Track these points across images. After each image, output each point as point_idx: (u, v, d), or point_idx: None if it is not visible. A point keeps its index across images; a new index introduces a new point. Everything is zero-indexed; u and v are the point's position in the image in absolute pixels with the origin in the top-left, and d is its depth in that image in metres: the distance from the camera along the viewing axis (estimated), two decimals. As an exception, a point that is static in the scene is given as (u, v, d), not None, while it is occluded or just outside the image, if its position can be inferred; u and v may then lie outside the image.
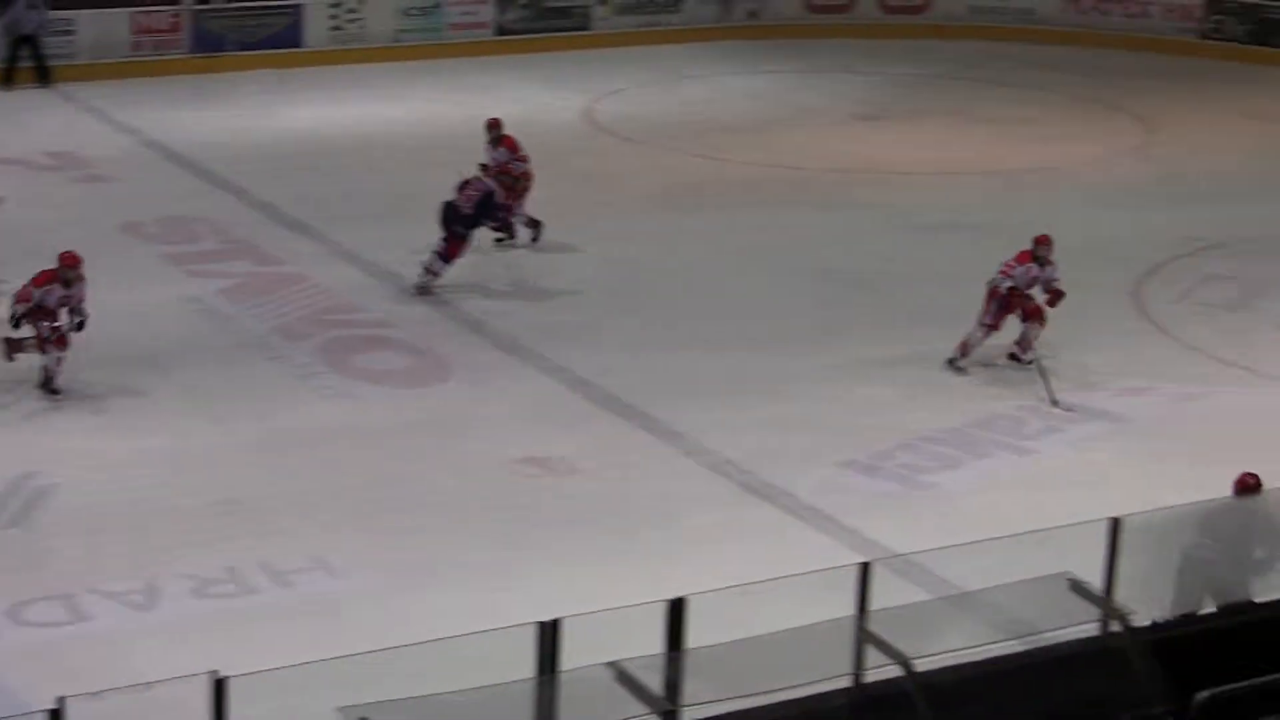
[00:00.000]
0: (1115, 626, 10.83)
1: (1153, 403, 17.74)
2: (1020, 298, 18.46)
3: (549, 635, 9.73)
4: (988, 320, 18.45)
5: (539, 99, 30.83)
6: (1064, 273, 20.60)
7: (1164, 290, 21.22)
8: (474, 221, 20.72)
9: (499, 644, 9.71)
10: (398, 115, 29.59)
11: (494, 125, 22.72)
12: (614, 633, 9.77)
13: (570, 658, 9.62)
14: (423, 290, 20.43)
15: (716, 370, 18.45)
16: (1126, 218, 24.22)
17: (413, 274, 20.67)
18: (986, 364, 18.71)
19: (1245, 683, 9.90)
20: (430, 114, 29.42)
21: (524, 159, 22.42)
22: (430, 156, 26.03)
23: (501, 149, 22.41)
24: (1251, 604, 12.27)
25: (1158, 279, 21.60)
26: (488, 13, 35.08)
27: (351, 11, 34.09)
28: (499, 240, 22.15)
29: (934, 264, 22.21)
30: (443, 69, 32.62)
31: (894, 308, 20.62)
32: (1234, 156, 27.64)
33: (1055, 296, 18.56)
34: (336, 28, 33.97)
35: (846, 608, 10.49)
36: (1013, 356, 18.66)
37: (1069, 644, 10.82)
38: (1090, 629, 10.88)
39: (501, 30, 35.11)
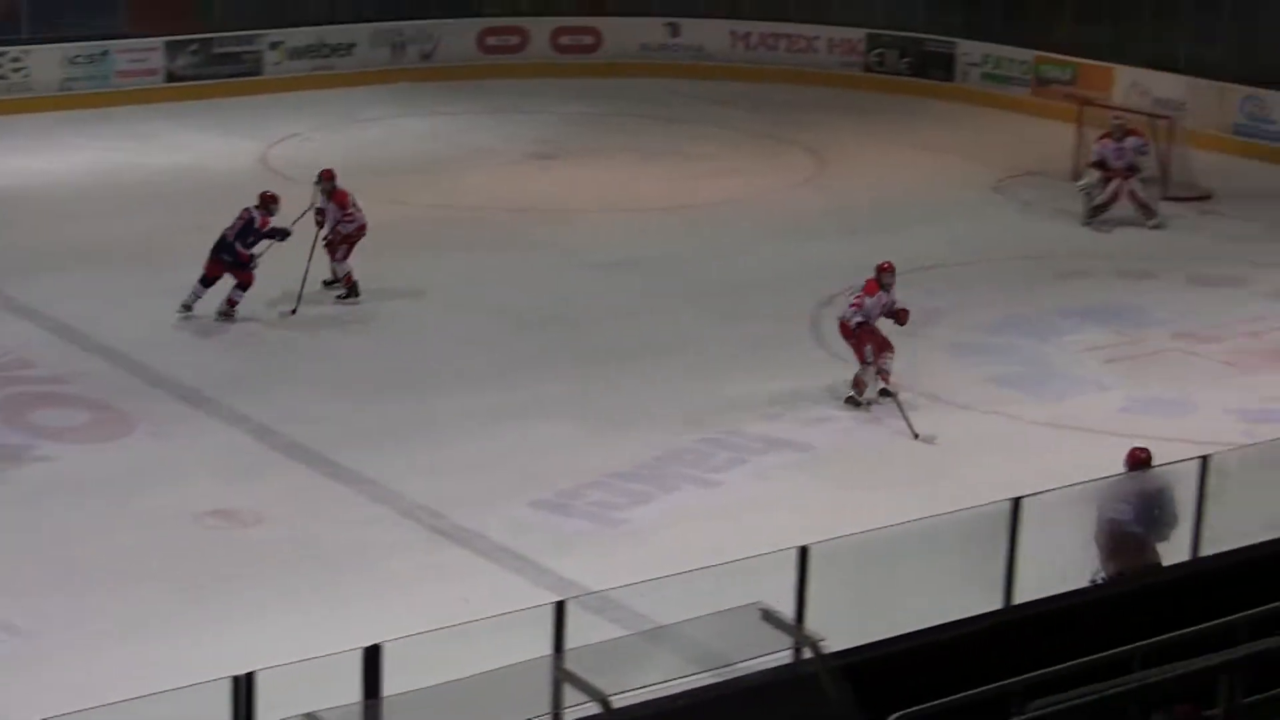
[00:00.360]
0: (807, 653, 11.00)
1: (834, 430, 18.11)
2: (869, 331, 18.74)
3: (244, 689, 9.60)
4: (864, 358, 18.72)
5: (212, 145, 30.50)
6: (744, 305, 21.05)
7: (840, 319, 21.69)
8: (231, 248, 20.96)
9: (193, 700, 9.56)
10: (67, 165, 28.99)
11: (327, 177, 22.40)
12: (310, 683, 9.66)
13: (266, 711, 9.50)
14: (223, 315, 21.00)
15: (404, 414, 18.39)
16: (803, 249, 24.70)
17: (94, 326, 20.35)
18: (671, 402, 18.90)
19: (937, 702, 10.12)
20: (101, 163, 28.92)
21: (351, 216, 22.14)
22: (100, 206, 25.69)
23: (332, 203, 22.14)
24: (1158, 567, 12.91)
25: (835, 309, 21.99)
26: (157, 60, 34.58)
27: (15, 61, 33.34)
28: (340, 298, 22.17)
29: (614, 301, 22.44)
30: (113, 117, 32.09)
31: (576, 345, 20.75)
32: (902, 186, 28.36)
33: (903, 315, 19.00)
34: (0, 77, 33.20)
35: (543, 647, 10.52)
36: (883, 392, 18.66)
37: (763, 673, 10.96)
38: (784, 657, 11.03)
39: (172, 77, 34.63)
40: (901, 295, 21.98)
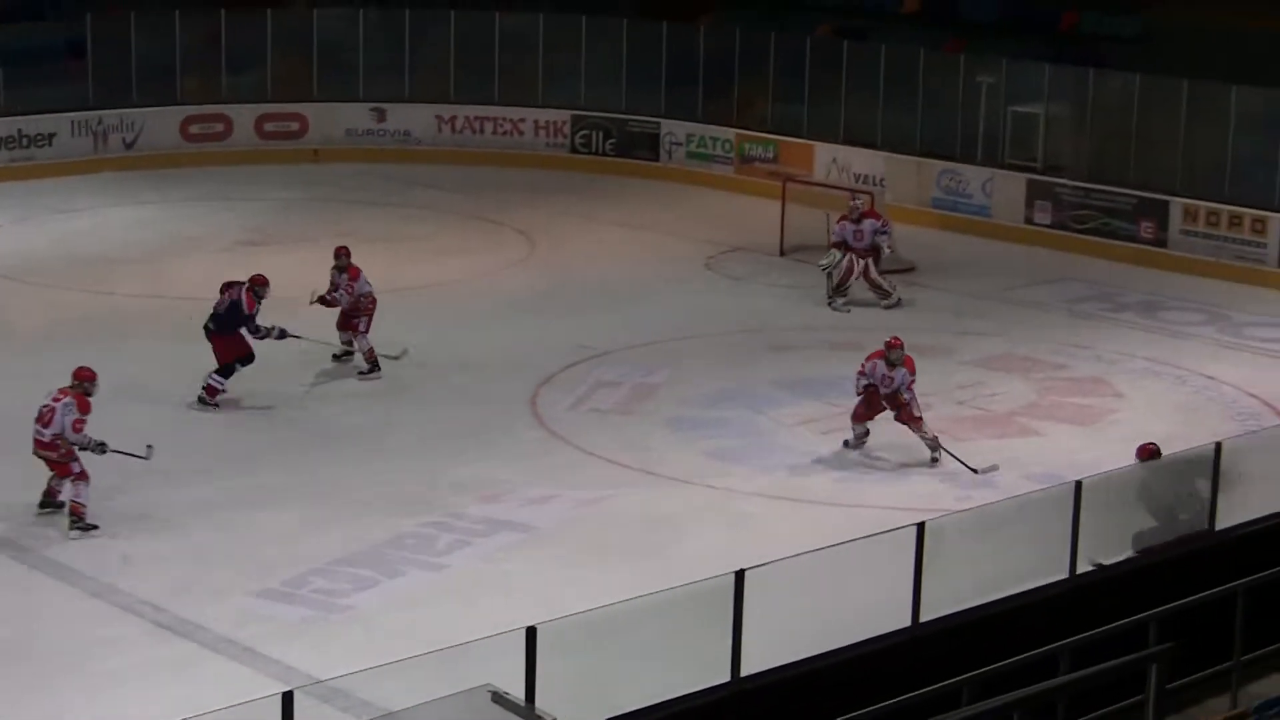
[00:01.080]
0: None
1: (557, 509, 18.18)
2: (876, 396, 19.80)
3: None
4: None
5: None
6: (463, 387, 21.07)
7: (560, 398, 21.79)
8: (222, 325, 21.43)
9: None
10: None
11: (341, 253, 23.10)
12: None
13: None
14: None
15: (118, 506, 18.03)
16: (518, 330, 24.80)
17: None
18: (391, 487, 18.82)
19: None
20: None
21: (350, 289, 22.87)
22: None
23: (344, 276, 22.89)
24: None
25: (552, 388, 22.15)
26: None
27: None
28: (362, 374, 22.63)
29: (330, 386, 22.34)
30: None
31: (292, 433, 20.59)
32: (614, 264, 28.63)
33: (903, 411, 19.91)
34: None
35: (273, 740, 10.42)
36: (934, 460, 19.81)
37: (498, 756, 10.95)
38: (516, 739, 11.03)
39: None
40: (616, 373, 22.25)
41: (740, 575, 12.53)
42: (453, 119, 37.48)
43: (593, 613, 12.58)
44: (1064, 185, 31.11)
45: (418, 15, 37.98)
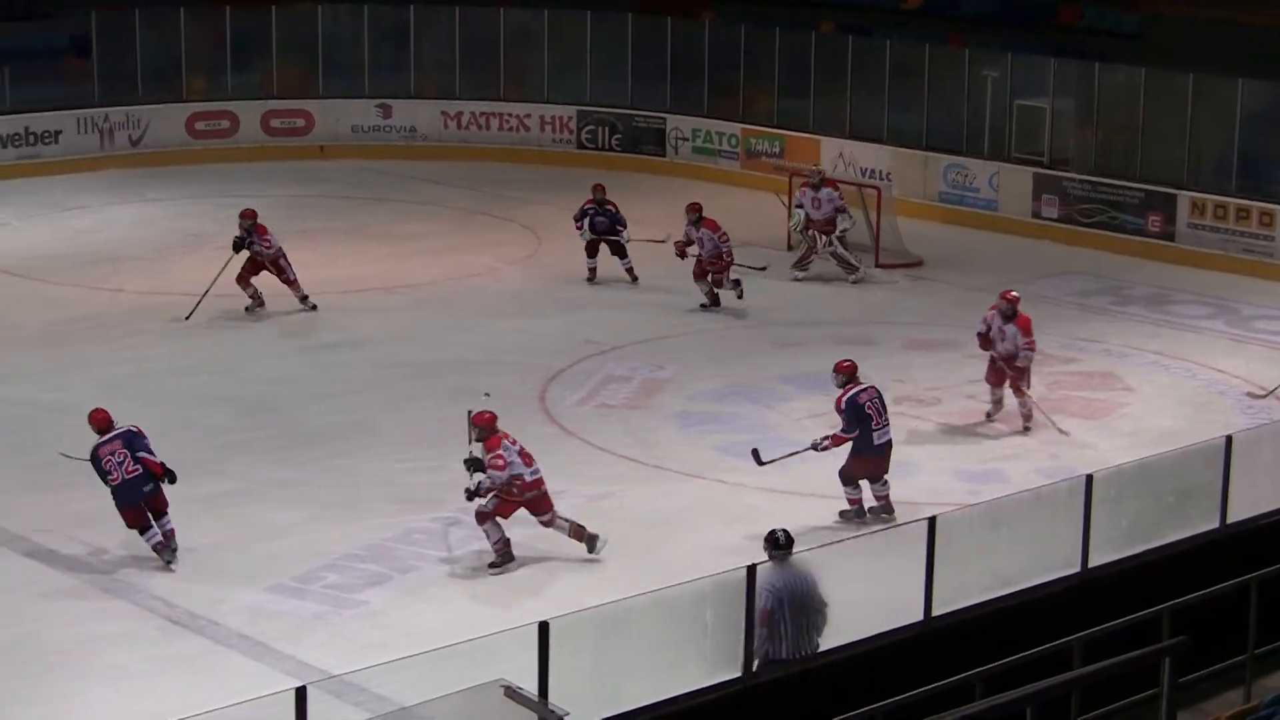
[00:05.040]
0: (554, 729, 11.04)
1: (566, 504, 18.10)
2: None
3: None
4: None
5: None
6: (471, 383, 21.09)
7: (568, 393, 21.79)
8: None
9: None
10: None
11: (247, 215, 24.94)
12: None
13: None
14: None
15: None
16: (526, 325, 24.80)
17: None
18: (400, 482, 18.83)
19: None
20: None
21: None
22: None
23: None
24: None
25: (560, 383, 22.15)
26: None
27: None
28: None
29: (335, 382, 22.32)
30: None
31: (298, 429, 20.58)
32: (619, 260, 28.54)
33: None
34: None
35: (286, 735, 10.43)
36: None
37: (514, 750, 10.97)
38: (529, 733, 11.05)
39: None
40: (625, 368, 22.28)
41: (751, 570, 12.55)
42: (458, 115, 37.46)
43: (604, 607, 12.62)
44: (1070, 179, 31.07)
45: (422, 11, 37.98)
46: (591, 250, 27.05)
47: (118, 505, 16.62)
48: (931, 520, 13.37)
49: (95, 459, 16.64)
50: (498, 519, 16.63)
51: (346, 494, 18.41)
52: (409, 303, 26.15)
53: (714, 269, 25.43)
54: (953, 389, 22.02)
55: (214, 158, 36.17)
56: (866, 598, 13.49)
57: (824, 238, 27.14)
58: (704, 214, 25.81)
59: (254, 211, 25.17)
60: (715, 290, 25.42)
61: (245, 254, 24.88)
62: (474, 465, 16.71)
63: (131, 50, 36.75)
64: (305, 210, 32.16)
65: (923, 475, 19.14)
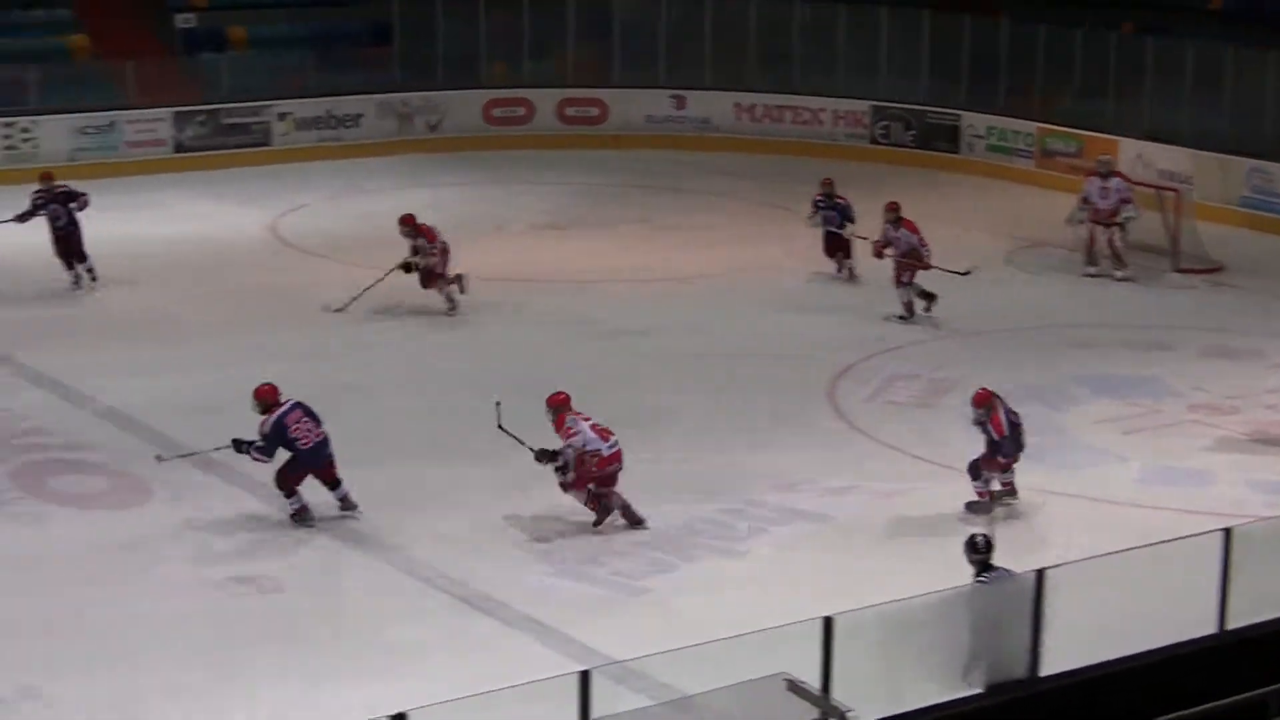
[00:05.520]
0: (834, 725, 10.99)
1: (855, 501, 18.08)
2: None
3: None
4: None
5: (221, 215, 30.64)
6: (759, 375, 21.04)
7: (856, 390, 21.68)
8: None
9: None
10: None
11: (407, 221, 24.65)
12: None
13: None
14: None
15: (416, 482, 18.34)
16: (813, 320, 24.72)
17: (106, 394, 20.32)
18: (688, 470, 18.87)
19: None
20: (109, 232, 28.90)
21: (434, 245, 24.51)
22: (110, 275, 25.66)
23: (421, 239, 24.44)
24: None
25: (849, 379, 22.04)
26: (165, 130, 34.78)
27: (25, 131, 33.51)
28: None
29: (625, 370, 22.43)
30: (120, 187, 32.13)
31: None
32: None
33: None
34: (10, 147, 33.34)
35: (569, 717, 10.51)
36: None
37: (791, 743, 10.95)
38: (811, 728, 11.02)
39: (180, 147, 34.84)
40: (912, 366, 22.14)
41: (1040, 575, 12.37)
42: (752, 107, 37.52)
43: (888, 605, 12.53)
44: (1383, 185, 30.25)
45: (718, 2, 38.11)
46: (830, 250, 26.90)
47: (295, 470, 17.09)
48: (1227, 531, 13.07)
49: (280, 429, 16.96)
50: (585, 489, 17.22)
51: (636, 480, 18.41)
52: (698, 293, 26.23)
53: (907, 269, 24.67)
54: (1253, 398, 21.48)
55: (509, 144, 36.68)
56: (1156, 608, 13.24)
57: (1106, 229, 26.75)
58: (902, 214, 25.17)
59: (412, 216, 25.04)
60: (911, 301, 24.61)
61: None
62: (546, 456, 17.15)
63: (432, 37, 37.41)
64: (598, 199, 32.47)
65: (1219, 485, 18.72)
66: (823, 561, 16.68)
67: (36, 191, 25.82)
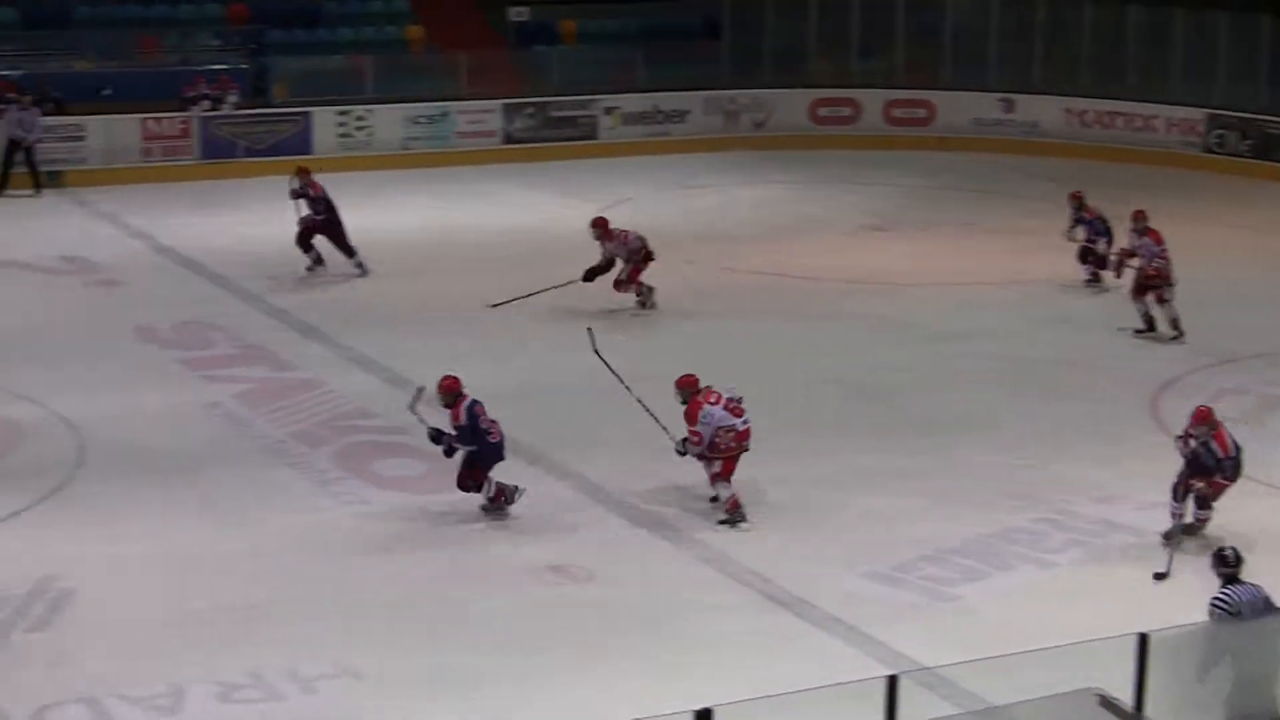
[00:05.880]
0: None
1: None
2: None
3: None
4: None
5: (547, 207, 31.09)
6: (1077, 383, 20.72)
7: (1181, 404, 21.12)
8: None
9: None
10: (405, 222, 29.74)
11: (598, 224, 24.49)
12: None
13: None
14: None
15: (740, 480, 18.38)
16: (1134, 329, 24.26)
17: (428, 379, 20.68)
18: (1003, 478, 18.67)
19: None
20: (437, 221, 29.59)
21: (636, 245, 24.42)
22: (437, 264, 26.17)
23: (610, 243, 24.40)
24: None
25: (1174, 392, 21.57)
26: (495, 121, 35.40)
27: (360, 119, 34.34)
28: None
29: (942, 374, 22.26)
30: (450, 176, 32.85)
31: (907, 417, 20.58)
32: (1238, 269, 27.75)
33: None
34: (345, 135, 34.19)
35: (875, 721, 10.49)
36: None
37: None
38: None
39: (509, 139, 35.43)
40: (1237, 381, 21.60)
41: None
42: (1082, 113, 37.01)
43: (1205, 626, 12.29)
44: None
45: (1051, 6, 37.64)
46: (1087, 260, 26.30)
47: (481, 464, 17.21)
48: None
49: (474, 418, 17.10)
50: (727, 479, 17.26)
51: (949, 486, 18.33)
52: (1017, 298, 25.92)
53: (1153, 284, 23.84)
54: None
55: (834, 144, 36.67)
56: None
57: None
58: (1149, 223, 24.43)
59: (604, 219, 24.80)
60: (1151, 314, 23.79)
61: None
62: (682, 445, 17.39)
63: (760, 35, 37.56)
64: (921, 201, 32.31)
65: None
66: (1135, 577, 16.34)
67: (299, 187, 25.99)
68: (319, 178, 26.26)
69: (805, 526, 17.29)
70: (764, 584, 15.89)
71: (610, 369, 18.49)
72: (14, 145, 31.43)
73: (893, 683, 10.72)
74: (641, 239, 24.48)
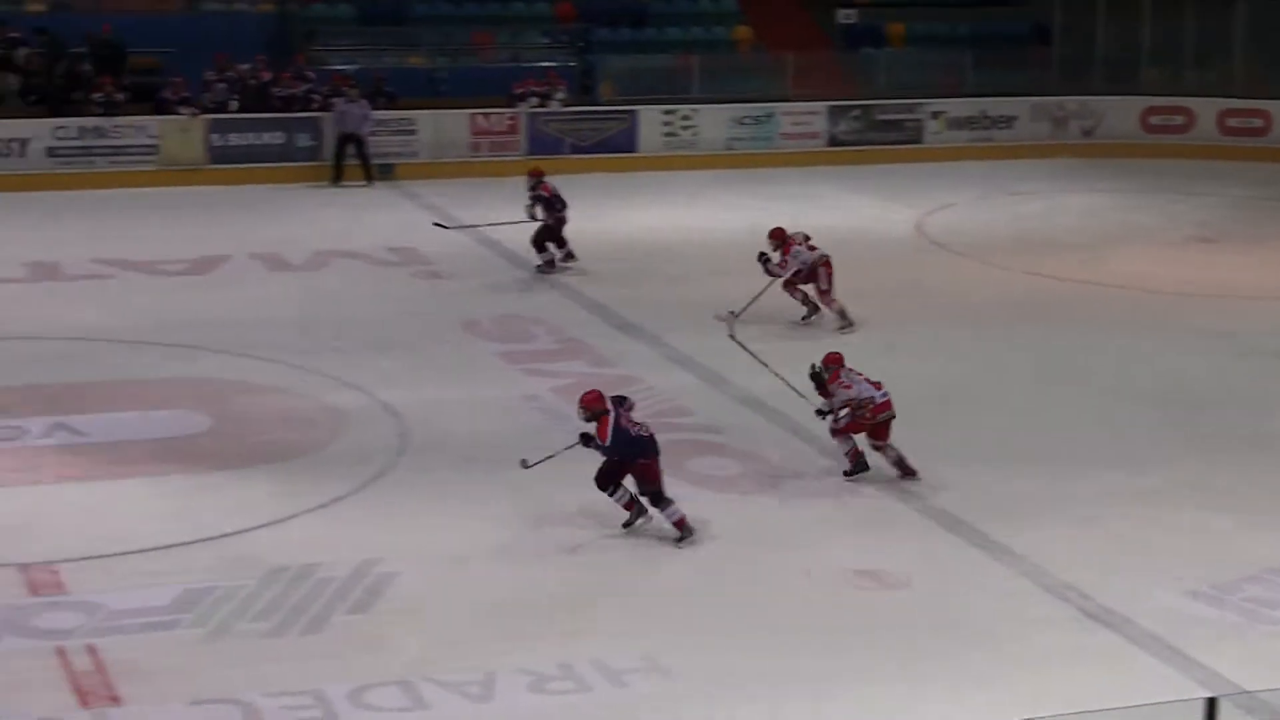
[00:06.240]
0: None
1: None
2: None
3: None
4: None
5: (869, 210, 30.97)
6: None
7: None
8: None
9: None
10: (730, 221, 29.79)
11: (775, 235, 23.75)
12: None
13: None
14: None
15: (1044, 489, 18.05)
16: None
17: (746, 379, 20.74)
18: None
19: None
20: (759, 222, 29.46)
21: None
22: (755, 264, 26.13)
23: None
24: None
25: None
26: (820, 123, 35.36)
27: (685, 119, 34.53)
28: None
29: (1261, 390, 21.69)
30: (773, 177, 32.90)
31: (1232, 434, 20.05)
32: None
33: None
34: (670, 134, 34.41)
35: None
36: None
37: None
38: None
39: (833, 141, 35.38)
40: None
41: None
42: None
43: None
44: None
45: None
46: None
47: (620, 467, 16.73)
48: None
49: (620, 433, 16.53)
50: (850, 435, 18.07)
51: (1275, 506, 17.81)
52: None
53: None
54: None
55: (1166, 153, 35.99)
56: None
57: None
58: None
59: (781, 230, 23.94)
60: None
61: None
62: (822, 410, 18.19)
63: (1091, 41, 37.00)
64: (1253, 213, 31.56)
65: None
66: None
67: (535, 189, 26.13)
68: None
69: (1123, 539, 16.93)
70: (1083, 600, 15.55)
71: (748, 350, 19.36)
72: (345, 139, 32.19)
73: (1212, 705, 10.43)
74: (822, 254, 23.74)
